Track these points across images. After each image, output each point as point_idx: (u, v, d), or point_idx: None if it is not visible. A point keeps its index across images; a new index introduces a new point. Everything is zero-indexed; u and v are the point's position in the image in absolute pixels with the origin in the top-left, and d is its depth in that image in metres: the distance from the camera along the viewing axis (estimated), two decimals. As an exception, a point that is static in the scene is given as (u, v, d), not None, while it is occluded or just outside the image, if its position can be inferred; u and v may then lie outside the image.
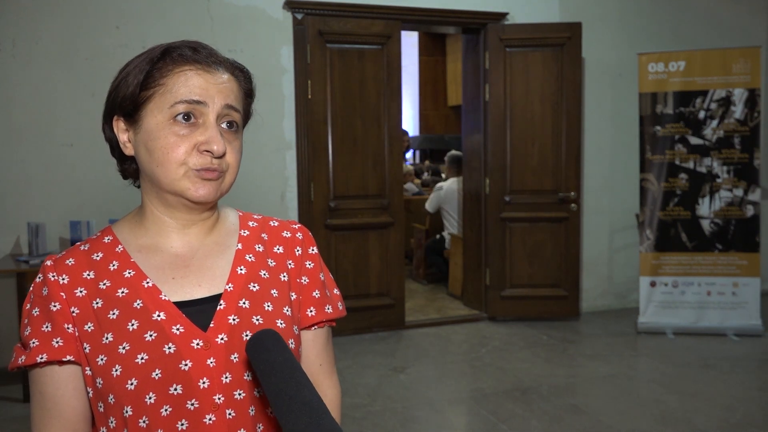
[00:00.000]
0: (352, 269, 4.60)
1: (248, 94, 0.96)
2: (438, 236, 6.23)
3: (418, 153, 11.97)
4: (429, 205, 6.19)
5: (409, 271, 6.50)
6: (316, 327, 1.02)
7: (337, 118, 4.47)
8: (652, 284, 4.60)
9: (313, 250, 1.04)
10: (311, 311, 1.01)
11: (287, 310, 0.97)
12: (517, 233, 4.87)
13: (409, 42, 11.14)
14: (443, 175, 8.76)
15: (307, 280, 1.02)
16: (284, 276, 0.99)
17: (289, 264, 1.01)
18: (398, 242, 4.72)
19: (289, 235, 1.03)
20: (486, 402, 3.39)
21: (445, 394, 3.56)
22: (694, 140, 4.53)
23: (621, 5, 5.12)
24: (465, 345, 4.44)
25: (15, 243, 3.84)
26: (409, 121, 12.03)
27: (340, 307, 1.05)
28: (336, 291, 1.06)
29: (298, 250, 1.02)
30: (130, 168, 0.96)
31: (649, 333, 4.55)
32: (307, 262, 1.03)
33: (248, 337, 0.82)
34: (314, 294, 1.01)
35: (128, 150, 0.92)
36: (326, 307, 1.02)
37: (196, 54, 0.89)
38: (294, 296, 1.00)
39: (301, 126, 4.40)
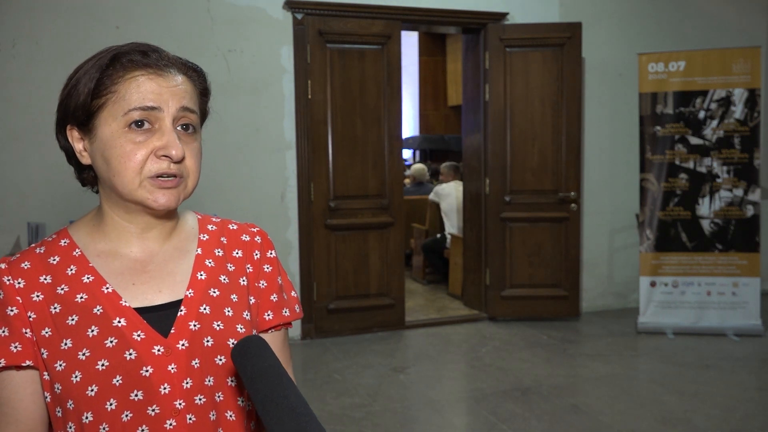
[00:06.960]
0: (352, 269, 4.60)
1: (203, 93, 0.95)
2: (438, 235, 6.24)
3: (418, 153, 11.98)
4: (432, 196, 6.44)
5: (407, 272, 6.51)
6: (273, 330, 1.02)
7: (337, 118, 4.47)
8: (652, 284, 4.60)
9: (271, 253, 1.04)
10: (269, 315, 1.00)
11: (247, 315, 0.97)
12: (517, 233, 4.87)
13: (409, 42, 11.14)
14: (440, 178, 8.77)
15: (265, 284, 1.01)
16: (243, 280, 0.99)
17: (248, 268, 1.01)
18: (398, 242, 4.71)
19: (248, 238, 1.03)
20: (486, 402, 3.39)
21: (445, 394, 3.56)
22: (694, 140, 4.53)
23: (621, 5, 5.12)
24: (465, 345, 4.44)
25: (15, 243, 3.84)
26: (409, 121, 12.03)
27: (297, 310, 1.05)
28: (293, 293, 1.06)
29: (256, 254, 1.02)
30: (88, 176, 0.94)
31: (649, 333, 4.55)
32: (266, 266, 1.02)
33: (233, 344, 0.82)
34: (272, 298, 1.01)
35: (85, 159, 0.91)
36: (283, 311, 1.02)
37: (146, 58, 0.87)
38: (253, 300, 1.00)
39: (301, 126, 4.40)
